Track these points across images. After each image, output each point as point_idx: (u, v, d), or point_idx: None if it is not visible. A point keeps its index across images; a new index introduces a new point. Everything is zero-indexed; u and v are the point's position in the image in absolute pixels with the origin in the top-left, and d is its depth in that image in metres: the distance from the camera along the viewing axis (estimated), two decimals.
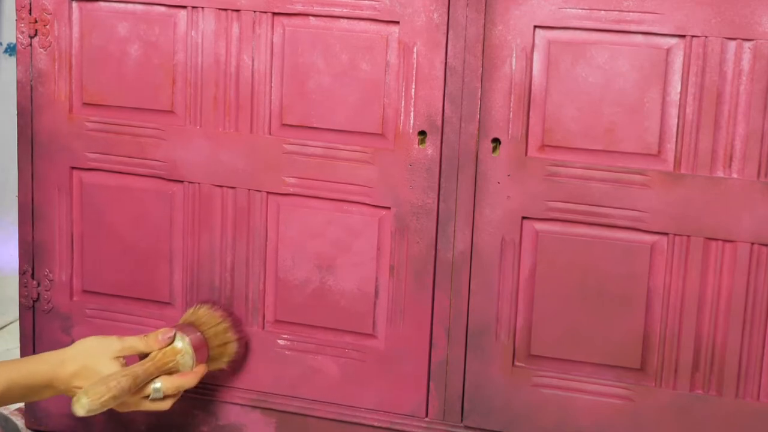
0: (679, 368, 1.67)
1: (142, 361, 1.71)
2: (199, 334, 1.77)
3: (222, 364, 1.82)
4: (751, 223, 1.61)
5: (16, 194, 1.97)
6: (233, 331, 1.82)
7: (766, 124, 1.59)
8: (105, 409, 1.61)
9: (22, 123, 1.93)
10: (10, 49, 2.85)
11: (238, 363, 1.85)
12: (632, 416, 1.70)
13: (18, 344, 2.23)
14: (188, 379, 1.73)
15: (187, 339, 1.74)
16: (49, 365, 1.67)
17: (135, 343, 1.72)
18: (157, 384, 1.69)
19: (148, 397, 1.69)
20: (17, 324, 2.51)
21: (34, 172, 1.94)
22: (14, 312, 2.56)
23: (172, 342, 1.73)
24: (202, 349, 1.77)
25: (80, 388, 1.63)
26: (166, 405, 1.72)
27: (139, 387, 1.67)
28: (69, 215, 1.93)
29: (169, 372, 1.72)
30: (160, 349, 1.72)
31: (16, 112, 1.93)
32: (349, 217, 1.78)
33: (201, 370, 1.75)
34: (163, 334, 1.73)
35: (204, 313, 1.81)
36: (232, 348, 1.82)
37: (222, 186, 1.83)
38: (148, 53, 1.84)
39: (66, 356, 1.68)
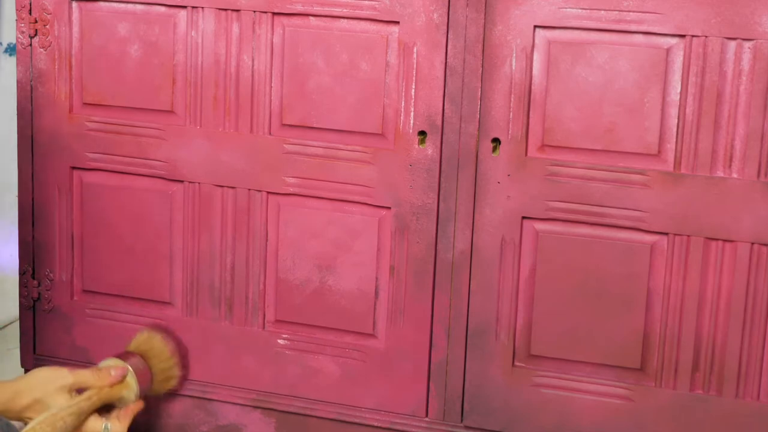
0: (679, 368, 1.67)
1: (89, 394, 1.68)
2: (146, 367, 1.76)
3: (155, 394, 1.81)
4: (751, 223, 1.61)
5: (16, 194, 1.97)
6: (178, 368, 1.83)
7: (766, 124, 1.59)
8: None
9: (22, 123, 1.93)
10: (10, 49, 2.84)
11: (167, 395, 1.86)
12: (632, 416, 1.70)
13: (18, 344, 2.23)
14: (128, 421, 1.71)
15: (134, 376, 1.72)
16: (2, 396, 1.66)
17: (87, 378, 1.69)
18: (107, 424, 1.68)
19: None
20: (17, 324, 2.51)
21: (34, 172, 1.94)
22: (14, 312, 2.55)
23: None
24: (145, 383, 1.75)
25: (31, 419, 1.64)
26: None
27: (83, 420, 1.66)
28: (69, 215, 1.93)
29: (112, 403, 1.71)
30: (111, 386, 1.70)
31: (16, 112, 1.93)
32: (349, 217, 1.78)
33: (138, 407, 1.74)
34: (116, 371, 1.71)
35: (157, 345, 1.80)
36: (172, 384, 1.82)
37: (222, 186, 1.83)
38: (148, 53, 1.84)
39: (19, 388, 1.66)
